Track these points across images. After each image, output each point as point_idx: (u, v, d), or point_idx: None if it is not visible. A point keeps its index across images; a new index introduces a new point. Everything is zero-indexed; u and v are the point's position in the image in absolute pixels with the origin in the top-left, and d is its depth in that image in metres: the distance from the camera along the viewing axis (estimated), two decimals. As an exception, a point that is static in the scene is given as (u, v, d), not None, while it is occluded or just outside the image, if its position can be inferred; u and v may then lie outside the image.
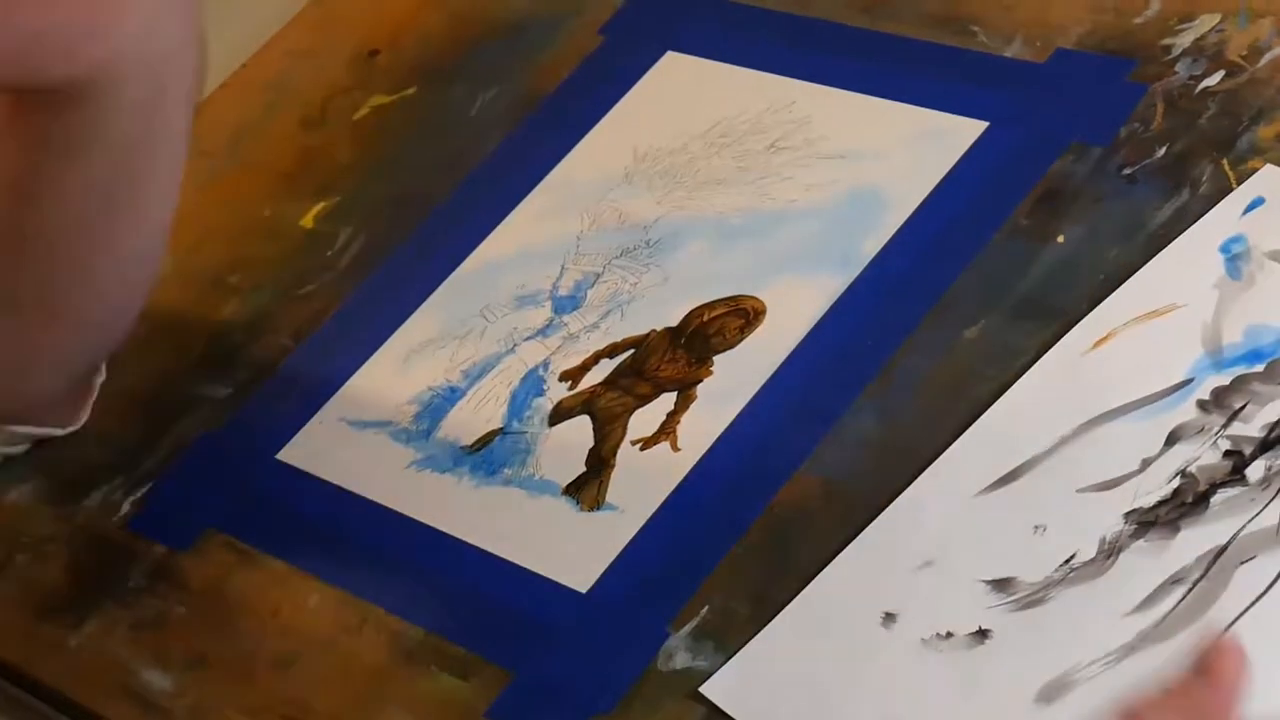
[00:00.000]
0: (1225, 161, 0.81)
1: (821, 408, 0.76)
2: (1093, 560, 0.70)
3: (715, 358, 0.84)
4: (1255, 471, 0.70)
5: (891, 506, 0.74)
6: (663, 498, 0.80)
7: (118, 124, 0.75)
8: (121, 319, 0.87)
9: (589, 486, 0.81)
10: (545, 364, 0.87)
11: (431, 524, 0.83)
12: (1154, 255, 0.79)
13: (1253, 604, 0.67)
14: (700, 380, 0.83)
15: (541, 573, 0.79)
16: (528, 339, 0.89)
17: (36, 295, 0.81)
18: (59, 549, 0.89)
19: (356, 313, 0.94)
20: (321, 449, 0.88)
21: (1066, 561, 0.70)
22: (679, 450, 0.81)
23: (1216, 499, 0.70)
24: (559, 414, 0.85)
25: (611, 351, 0.86)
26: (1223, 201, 0.79)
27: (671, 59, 0.99)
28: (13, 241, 0.79)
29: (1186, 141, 0.83)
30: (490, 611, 0.79)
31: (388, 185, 1.00)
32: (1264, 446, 0.71)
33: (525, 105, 1.00)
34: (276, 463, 0.88)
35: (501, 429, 0.85)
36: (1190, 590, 0.68)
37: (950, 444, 0.76)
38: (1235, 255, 0.77)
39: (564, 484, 0.82)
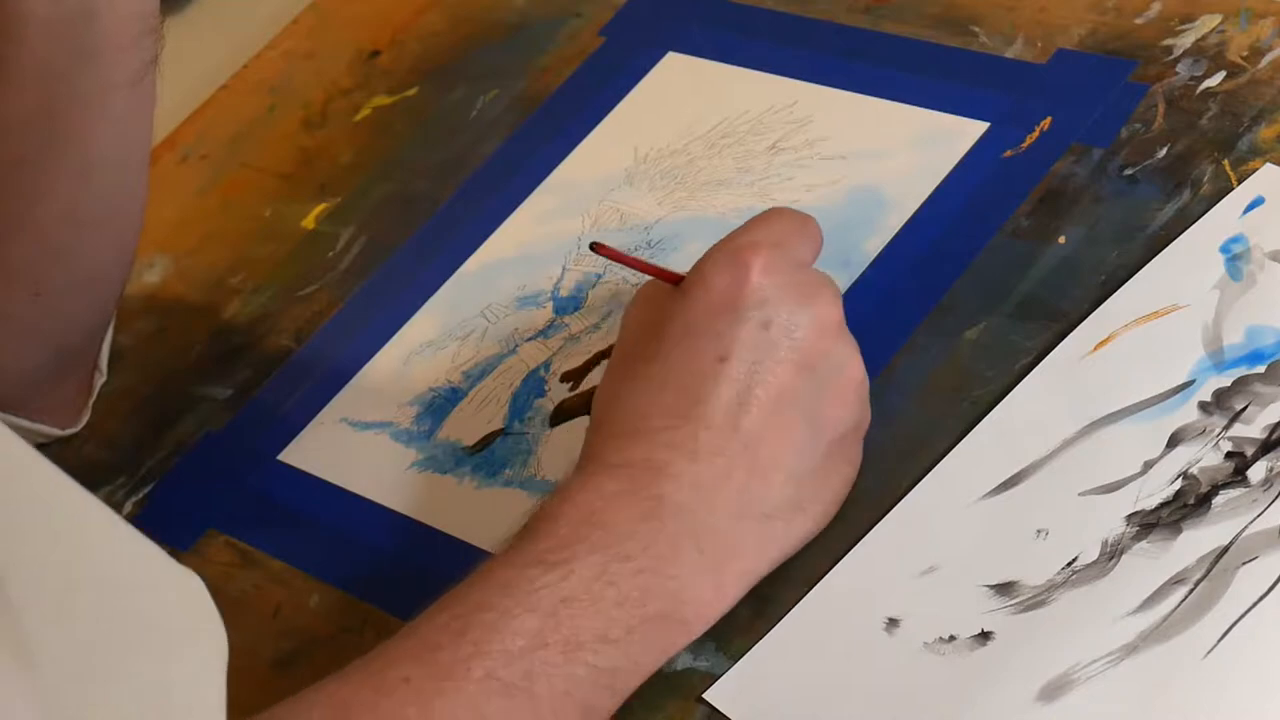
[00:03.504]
0: (1226, 162, 0.81)
1: (823, 409, 0.76)
2: (1095, 562, 0.70)
3: (716, 358, 0.84)
4: (1257, 473, 0.70)
5: (892, 514, 0.74)
6: (664, 499, 0.80)
7: (33, 42, 0.76)
8: (94, 293, 0.87)
9: (590, 487, 0.81)
10: (546, 365, 0.87)
11: (433, 525, 0.83)
12: (1155, 256, 0.79)
13: (1255, 604, 0.67)
14: (701, 381, 0.83)
15: (543, 574, 0.79)
16: (529, 340, 0.89)
17: None
18: (60, 550, 0.89)
19: (358, 313, 0.94)
20: (323, 450, 0.88)
21: (1069, 564, 0.70)
22: (680, 451, 0.81)
23: (1218, 500, 0.70)
24: (560, 415, 0.85)
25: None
26: (1222, 201, 0.79)
27: (672, 59, 0.99)
28: None
29: (1187, 142, 0.83)
30: (492, 612, 0.79)
31: (389, 186, 1.00)
32: (1265, 448, 0.71)
33: (526, 106, 1.00)
34: (278, 463, 0.89)
35: (503, 430, 0.85)
36: (1192, 590, 0.68)
37: (952, 445, 0.76)
38: (1236, 255, 0.77)
39: (565, 485, 0.82)
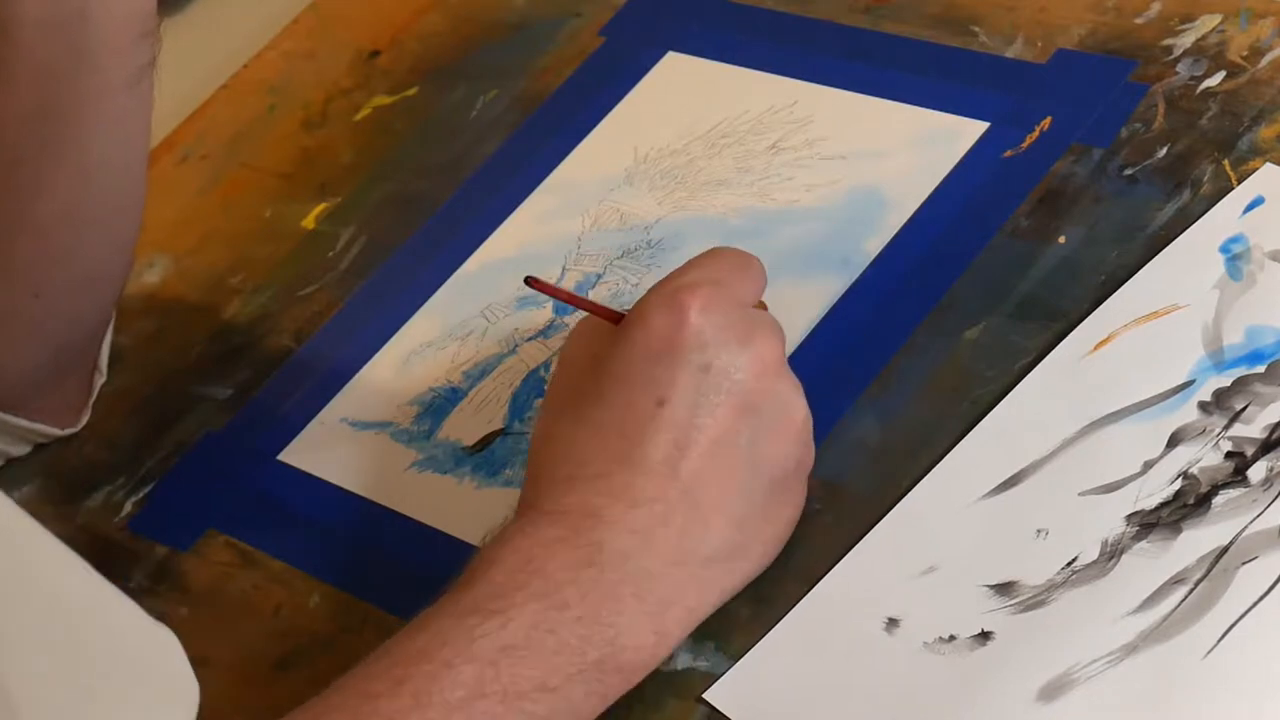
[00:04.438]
0: (1226, 162, 0.81)
1: (822, 409, 0.76)
2: (1095, 562, 0.70)
3: (716, 358, 0.84)
4: (1257, 472, 0.70)
5: (892, 514, 0.74)
6: (664, 498, 0.79)
7: (28, 43, 0.77)
8: (94, 293, 0.87)
9: (590, 487, 0.81)
10: (546, 365, 0.87)
11: (433, 525, 0.83)
12: (1155, 256, 0.79)
13: (1255, 604, 0.67)
14: (701, 381, 0.83)
15: (543, 574, 0.79)
16: (529, 340, 0.89)
17: None
18: (61, 550, 0.89)
19: (358, 313, 0.94)
20: (323, 450, 0.88)
21: (1069, 564, 0.70)
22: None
23: (1218, 500, 0.70)
24: (560, 415, 0.85)
25: (613, 352, 0.86)
26: (1222, 201, 0.79)
27: (672, 59, 0.99)
28: None
29: (1187, 142, 0.83)
30: (492, 612, 0.79)
31: (389, 186, 1.00)
32: (1265, 447, 0.71)
33: (526, 106, 1.00)
34: (278, 463, 0.89)
35: (503, 430, 0.85)
36: (1192, 590, 0.68)
37: (952, 445, 0.76)
38: (1236, 255, 0.77)
39: (565, 485, 0.82)
